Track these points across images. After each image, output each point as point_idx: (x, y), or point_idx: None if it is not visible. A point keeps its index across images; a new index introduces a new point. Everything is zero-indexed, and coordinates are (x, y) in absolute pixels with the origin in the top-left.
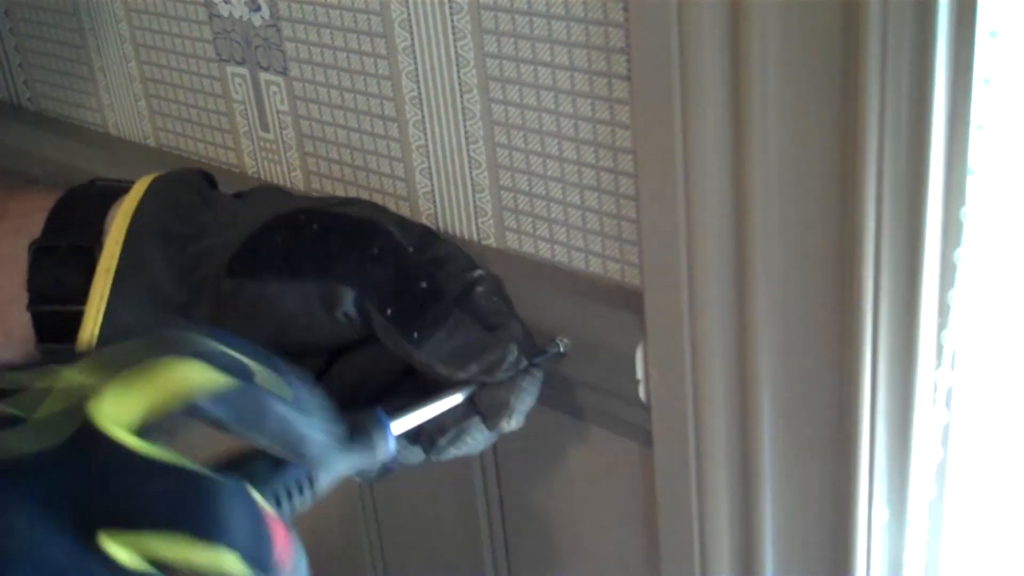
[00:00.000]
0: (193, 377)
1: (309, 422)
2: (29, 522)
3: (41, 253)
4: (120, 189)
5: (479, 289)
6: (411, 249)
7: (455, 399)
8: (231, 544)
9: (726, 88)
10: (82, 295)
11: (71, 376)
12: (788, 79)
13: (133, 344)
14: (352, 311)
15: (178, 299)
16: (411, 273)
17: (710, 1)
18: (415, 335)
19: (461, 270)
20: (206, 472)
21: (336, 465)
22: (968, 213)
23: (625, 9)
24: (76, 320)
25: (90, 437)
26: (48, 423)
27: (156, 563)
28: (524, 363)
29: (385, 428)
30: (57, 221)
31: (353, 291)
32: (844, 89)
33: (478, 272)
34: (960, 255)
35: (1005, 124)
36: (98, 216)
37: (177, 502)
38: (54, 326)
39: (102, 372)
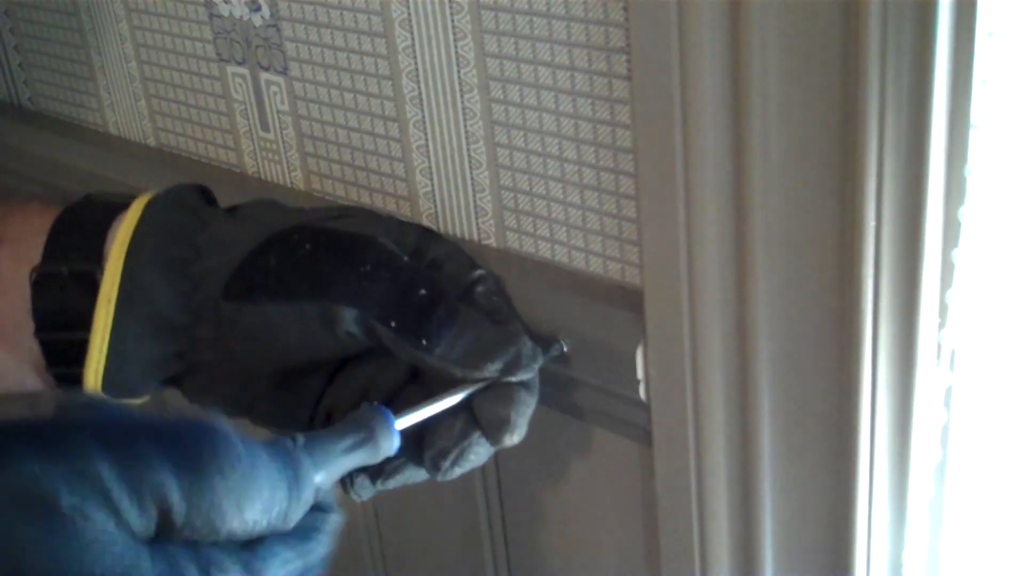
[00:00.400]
0: None
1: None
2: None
3: (43, 279)
4: (116, 205)
5: (479, 289)
6: (406, 258)
7: (458, 397)
8: None
9: (726, 88)
10: (87, 321)
11: None
12: (788, 79)
13: None
14: (354, 329)
15: (180, 322)
16: (409, 283)
17: (710, 1)
18: (424, 342)
19: (460, 271)
20: None
21: (338, 465)
22: (967, 213)
23: (625, 9)
24: (84, 346)
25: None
26: None
27: None
28: (540, 358)
29: (389, 423)
30: (56, 245)
31: (353, 310)
32: (844, 89)
33: (478, 272)
34: (959, 255)
35: (1005, 124)
36: (96, 237)
37: None
38: (62, 352)
39: None
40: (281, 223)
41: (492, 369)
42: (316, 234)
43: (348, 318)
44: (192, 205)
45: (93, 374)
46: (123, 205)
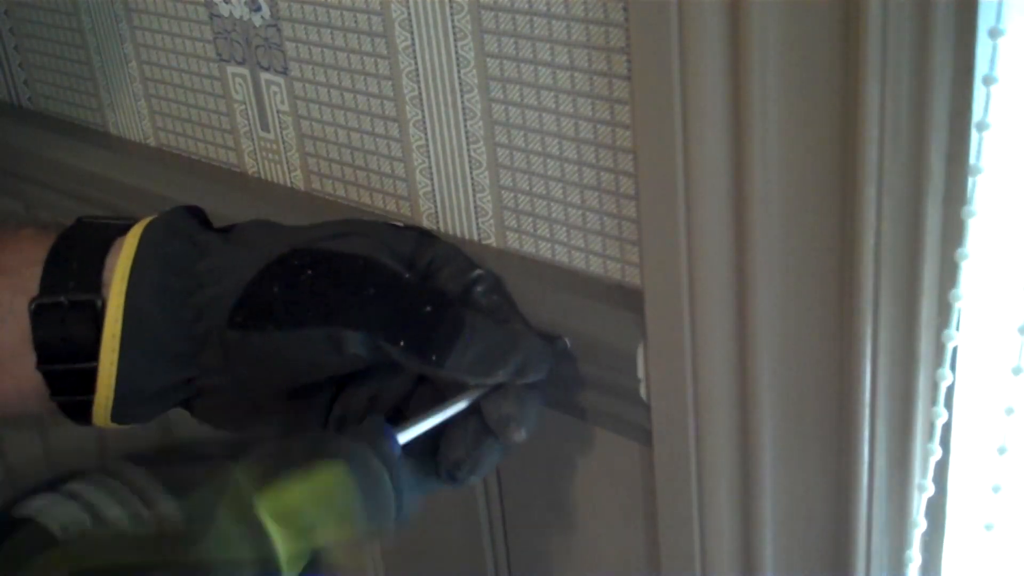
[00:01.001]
0: (340, 494)
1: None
2: None
3: (42, 310)
4: (112, 229)
5: (478, 289)
6: (407, 274)
7: (460, 405)
8: None
9: (726, 88)
10: (89, 350)
11: (242, 480)
12: (788, 79)
13: (295, 447)
14: (361, 350)
15: (186, 351)
16: (414, 302)
17: (710, 1)
18: (433, 357)
19: (459, 272)
20: None
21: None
22: (969, 213)
23: (625, 9)
24: (87, 375)
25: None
26: (230, 541)
27: None
28: (549, 358)
29: (390, 438)
30: (54, 275)
31: (359, 333)
32: (844, 89)
33: (476, 272)
34: (960, 255)
35: (1006, 124)
36: (94, 266)
37: None
38: (66, 382)
39: (269, 478)
40: (279, 246)
41: (504, 374)
42: (316, 258)
43: (355, 341)
44: (188, 231)
45: (103, 409)
46: (118, 229)
